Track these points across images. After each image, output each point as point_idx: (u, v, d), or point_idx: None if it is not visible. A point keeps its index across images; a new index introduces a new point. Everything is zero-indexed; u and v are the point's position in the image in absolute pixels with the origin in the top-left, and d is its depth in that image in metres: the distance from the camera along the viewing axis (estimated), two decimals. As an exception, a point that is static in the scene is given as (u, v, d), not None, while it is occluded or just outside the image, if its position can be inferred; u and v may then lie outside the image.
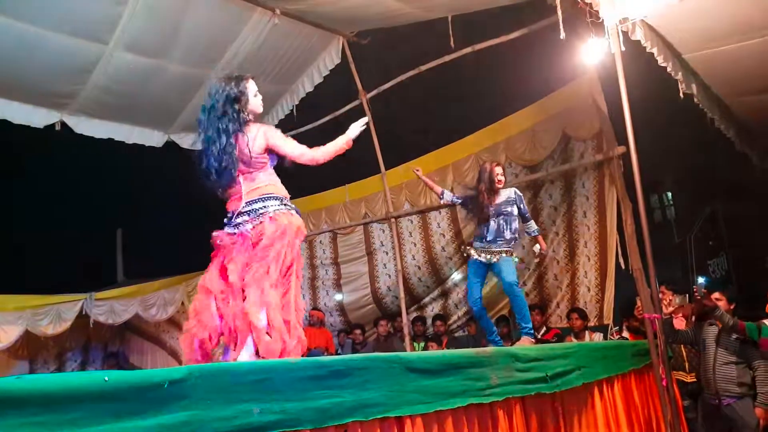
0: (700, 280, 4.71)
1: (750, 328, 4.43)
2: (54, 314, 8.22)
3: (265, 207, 3.08)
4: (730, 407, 4.47)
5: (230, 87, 3.16)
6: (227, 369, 2.13)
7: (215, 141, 3.09)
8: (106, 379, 1.79)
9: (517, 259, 5.05)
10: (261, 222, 3.05)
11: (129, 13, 6.07)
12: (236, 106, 3.12)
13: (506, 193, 5.03)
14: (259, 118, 3.35)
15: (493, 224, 4.93)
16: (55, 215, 11.24)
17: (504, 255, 4.88)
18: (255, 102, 3.26)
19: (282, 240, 3.00)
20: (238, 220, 3.13)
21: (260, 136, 3.15)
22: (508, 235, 4.90)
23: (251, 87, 3.27)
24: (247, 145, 3.09)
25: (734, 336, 4.51)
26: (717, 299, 4.55)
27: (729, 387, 4.48)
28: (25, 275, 10.03)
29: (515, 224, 4.96)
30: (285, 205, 3.14)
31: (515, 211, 4.96)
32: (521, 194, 5.13)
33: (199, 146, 3.28)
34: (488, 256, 4.92)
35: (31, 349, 9.43)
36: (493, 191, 5.02)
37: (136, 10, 6.04)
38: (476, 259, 4.98)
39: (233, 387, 2.06)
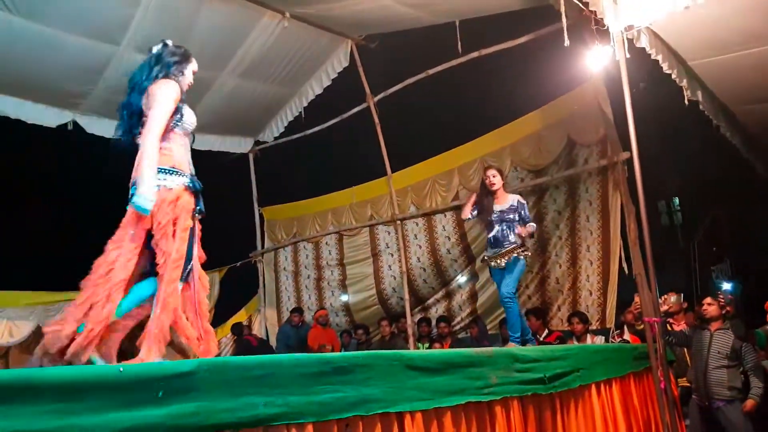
0: (726, 286, 4.76)
1: (758, 335, 4.53)
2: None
3: None
4: (721, 410, 4.55)
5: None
6: (234, 363, 2.21)
7: None
8: (121, 370, 1.89)
9: (524, 261, 5.03)
10: None
11: (141, 15, 6.20)
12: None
13: (510, 200, 5.07)
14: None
15: (497, 230, 4.98)
16: (67, 214, 11.39)
17: (515, 255, 4.92)
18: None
19: None
20: None
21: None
22: (512, 238, 4.95)
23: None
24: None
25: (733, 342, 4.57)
26: (709, 304, 4.64)
27: (720, 390, 4.57)
28: (37, 272, 10.17)
29: (517, 229, 4.99)
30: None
31: (517, 218, 5.00)
32: (524, 202, 5.17)
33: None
34: (498, 261, 4.99)
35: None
36: (489, 195, 5.07)
37: (147, 12, 6.17)
38: (493, 268, 5.10)
39: (239, 380, 2.14)
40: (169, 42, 3.06)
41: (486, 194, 5.08)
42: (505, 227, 4.95)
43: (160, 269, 2.72)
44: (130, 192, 2.76)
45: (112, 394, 1.82)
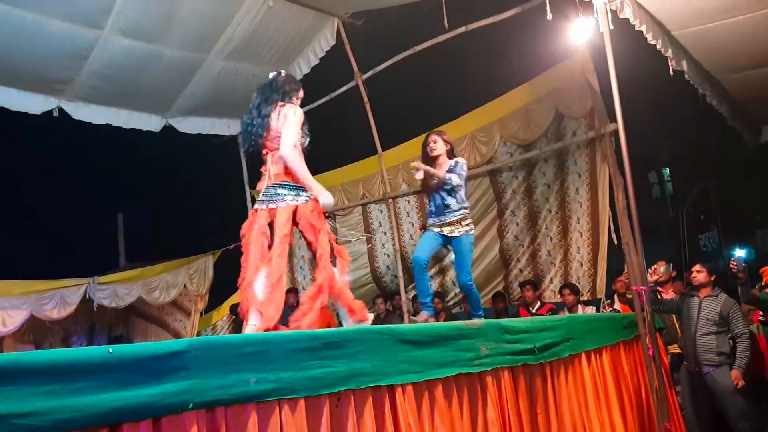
0: (738, 252, 4.74)
1: (762, 297, 4.62)
2: (58, 298, 8.36)
3: None
4: (710, 375, 4.64)
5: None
6: (225, 341, 2.25)
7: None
8: (111, 351, 1.92)
9: (471, 236, 4.50)
10: None
11: (124, -1, 6.11)
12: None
13: (448, 164, 4.56)
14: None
15: (437, 197, 4.51)
16: (57, 201, 11.36)
17: (461, 227, 4.42)
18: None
19: None
20: None
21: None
22: (454, 205, 4.45)
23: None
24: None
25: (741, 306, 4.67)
26: (698, 271, 4.70)
27: (709, 356, 4.65)
28: (29, 261, 10.18)
29: (460, 193, 4.50)
30: None
31: (456, 180, 4.44)
32: (463, 162, 4.60)
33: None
34: (442, 229, 4.48)
35: (36, 333, 9.60)
36: (430, 162, 4.59)
37: (130, -5, 6.09)
38: (430, 230, 4.58)
39: (231, 358, 2.18)
40: (283, 72, 3.78)
41: (427, 162, 4.61)
42: (444, 194, 4.46)
43: (320, 259, 3.43)
44: (272, 192, 3.47)
45: (103, 375, 1.85)
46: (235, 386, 2.16)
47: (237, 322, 8.84)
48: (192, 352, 2.09)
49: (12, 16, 5.88)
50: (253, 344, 2.26)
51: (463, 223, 4.44)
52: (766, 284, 4.64)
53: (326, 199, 3.49)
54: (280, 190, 3.44)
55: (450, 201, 4.45)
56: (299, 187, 3.47)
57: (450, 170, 4.45)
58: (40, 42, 6.27)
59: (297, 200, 3.44)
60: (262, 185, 3.56)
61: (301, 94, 3.73)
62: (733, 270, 4.65)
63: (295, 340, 2.41)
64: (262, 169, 3.60)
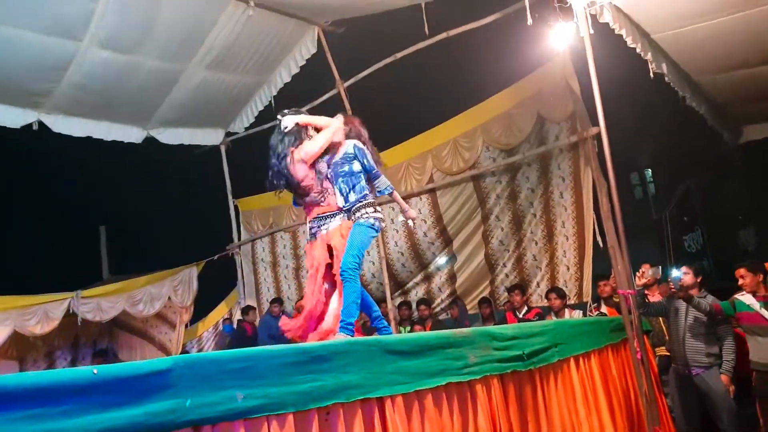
0: (675, 273, 4.78)
1: (725, 307, 4.62)
2: (41, 314, 8.20)
3: None
4: (700, 377, 4.66)
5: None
6: (210, 358, 2.21)
7: None
8: (95, 372, 1.88)
9: (367, 224, 3.73)
10: None
11: (102, 10, 6.06)
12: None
13: (343, 149, 3.92)
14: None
15: (336, 190, 3.87)
16: (38, 215, 11.19)
17: (357, 219, 3.76)
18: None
19: None
20: None
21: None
22: (353, 197, 3.81)
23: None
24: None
25: (709, 316, 4.66)
26: (684, 273, 4.71)
27: (698, 357, 4.66)
28: (11, 276, 10.01)
29: (360, 183, 3.84)
30: None
31: (356, 168, 3.85)
32: (363, 147, 3.92)
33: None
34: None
35: (20, 349, 9.42)
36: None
37: (108, 6, 6.03)
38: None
39: (217, 375, 2.15)
40: (286, 111, 3.93)
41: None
42: (341, 183, 3.83)
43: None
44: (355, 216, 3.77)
45: (87, 396, 1.81)
46: (222, 403, 2.12)
47: (239, 328, 8.76)
48: (177, 370, 2.05)
49: (-12, 30, 5.80)
50: (239, 360, 2.23)
51: (360, 212, 3.82)
52: (741, 286, 4.66)
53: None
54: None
55: (351, 195, 3.90)
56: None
57: (358, 161, 3.90)
58: (17, 55, 6.21)
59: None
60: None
61: (311, 132, 3.89)
62: (673, 290, 4.74)
63: (282, 355, 2.38)
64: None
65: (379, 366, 2.71)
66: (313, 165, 3.79)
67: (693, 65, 6.59)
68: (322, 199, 3.81)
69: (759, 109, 7.98)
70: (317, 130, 3.91)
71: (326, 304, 3.78)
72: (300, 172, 3.72)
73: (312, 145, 3.76)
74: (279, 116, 3.93)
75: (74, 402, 1.79)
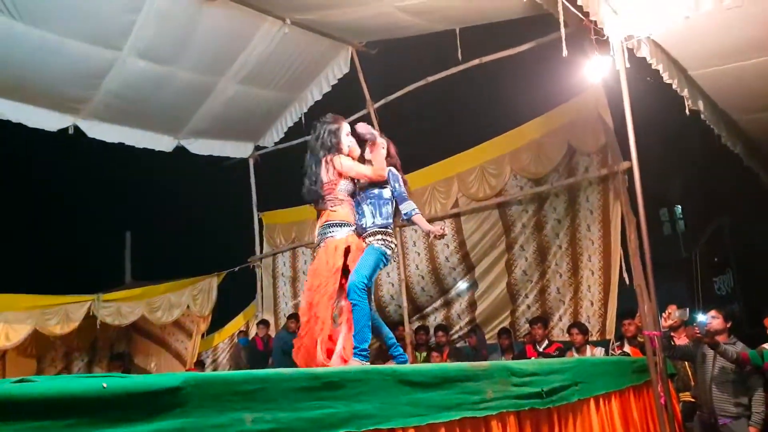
0: (700, 318, 4.64)
1: (753, 356, 4.44)
2: (62, 314, 8.31)
3: None
4: (726, 427, 4.46)
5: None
6: (221, 378, 2.17)
7: None
8: (105, 385, 1.84)
9: (382, 251, 3.72)
10: None
11: (142, 21, 6.20)
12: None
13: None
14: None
15: (362, 211, 3.86)
16: (66, 217, 11.40)
17: (372, 242, 3.75)
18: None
19: None
20: None
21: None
22: (379, 221, 3.82)
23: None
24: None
25: (736, 365, 4.48)
26: (713, 317, 4.56)
27: (725, 406, 4.47)
28: (36, 275, 10.18)
29: (386, 208, 3.87)
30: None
31: (387, 194, 3.88)
32: (397, 173, 3.95)
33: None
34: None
35: (39, 348, 9.52)
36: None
37: (148, 18, 6.18)
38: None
39: (227, 396, 2.10)
40: (327, 119, 3.94)
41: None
42: (369, 206, 3.84)
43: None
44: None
45: (96, 410, 1.77)
46: (230, 425, 2.07)
47: (252, 342, 8.75)
48: (187, 388, 2.01)
49: (32, 36, 5.98)
50: (250, 382, 2.18)
51: (375, 236, 3.81)
52: None
53: None
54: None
55: (378, 218, 3.90)
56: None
57: (385, 188, 3.92)
58: (58, 61, 6.37)
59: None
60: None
61: (342, 134, 3.89)
62: (698, 336, 4.56)
63: (294, 379, 2.32)
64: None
65: (393, 396, 2.63)
66: (340, 176, 3.80)
67: (731, 103, 6.45)
68: (336, 206, 3.78)
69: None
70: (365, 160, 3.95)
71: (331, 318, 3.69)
72: (328, 174, 3.77)
73: (354, 167, 3.83)
74: (320, 120, 3.94)
75: (82, 416, 1.75)
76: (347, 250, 3.70)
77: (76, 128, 7.32)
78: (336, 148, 3.83)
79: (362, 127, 3.87)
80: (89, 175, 10.66)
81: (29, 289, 8.40)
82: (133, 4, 6.00)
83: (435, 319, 8.23)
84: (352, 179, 3.86)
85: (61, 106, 7.10)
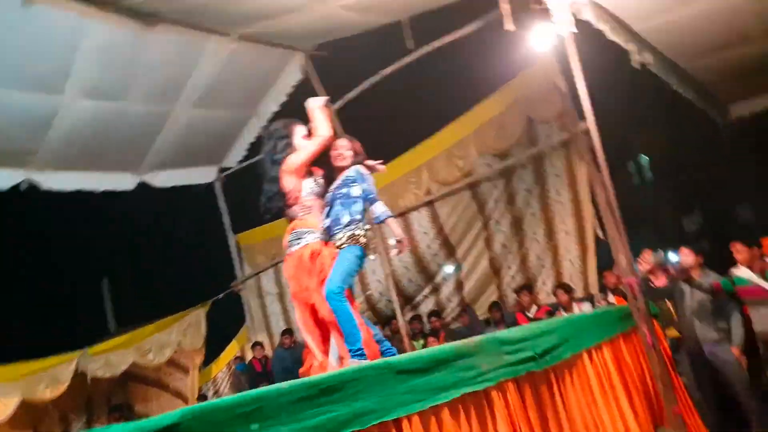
0: (674, 258, 4.89)
1: (725, 284, 4.65)
2: (50, 378, 7.88)
3: None
4: (712, 353, 4.64)
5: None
6: (218, 406, 2.15)
7: None
8: (104, 431, 1.81)
9: (356, 251, 3.70)
10: None
11: (81, 59, 5.96)
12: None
13: (346, 173, 3.88)
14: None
15: (330, 214, 3.79)
16: (38, 276, 11.12)
17: (347, 243, 3.69)
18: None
19: None
20: None
21: None
22: (348, 219, 3.72)
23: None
24: None
25: (711, 295, 4.66)
26: (685, 255, 4.73)
27: (708, 334, 4.68)
28: (15, 340, 9.88)
29: (355, 206, 3.78)
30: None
31: (355, 192, 3.79)
32: (366, 172, 3.89)
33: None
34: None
35: (32, 416, 8.99)
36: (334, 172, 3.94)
37: (88, 55, 5.93)
38: None
39: (228, 421, 2.09)
40: (275, 125, 4.08)
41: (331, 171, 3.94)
42: (338, 206, 3.76)
43: None
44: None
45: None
46: (234, 449, 2.06)
47: (249, 365, 8.66)
48: (186, 422, 1.98)
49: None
50: (246, 404, 2.16)
51: (350, 236, 3.75)
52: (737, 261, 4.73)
53: None
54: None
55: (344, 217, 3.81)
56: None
57: (357, 186, 3.83)
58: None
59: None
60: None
61: (295, 140, 3.93)
62: (674, 274, 4.73)
63: (291, 392, 2.31)
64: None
65: (391, 388, 2.65)
66: (302, 176, 3.81)
67: (677, 51, 6.58)
68: (305, 213, 3.80)
69: (743, 86, 7.98)
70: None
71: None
72: (288, 183, 3.79)
73: (300, 154, 3.82)
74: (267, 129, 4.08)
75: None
76: (315, 254, 3.71)
77: (30, 182, 7.04)
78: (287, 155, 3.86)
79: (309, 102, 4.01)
80: (52, 228, 10.40)
81: (10, 358, 8.03)
82: (69, 43, 5.75)
83: (426, 306, 8.29)
84: (311, 172, 3.86)
85: (9, 161, 6.76)
